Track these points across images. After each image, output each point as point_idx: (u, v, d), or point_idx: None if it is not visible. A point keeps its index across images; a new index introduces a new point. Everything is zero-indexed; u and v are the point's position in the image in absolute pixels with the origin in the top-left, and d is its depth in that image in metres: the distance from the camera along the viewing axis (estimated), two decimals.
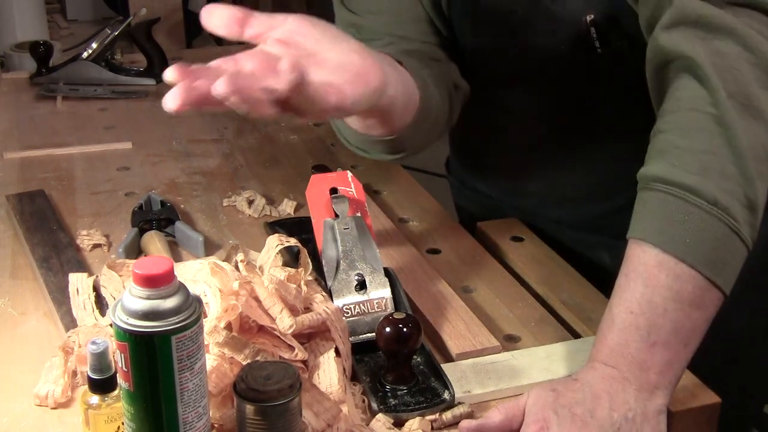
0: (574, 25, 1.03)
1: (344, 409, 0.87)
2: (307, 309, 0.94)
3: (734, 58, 0.85)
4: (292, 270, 0.97)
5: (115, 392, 0.81)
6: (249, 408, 0.78)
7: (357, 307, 0.99)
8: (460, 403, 0.90)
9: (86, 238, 1.21)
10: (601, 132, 1.10)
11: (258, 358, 0.85)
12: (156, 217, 1.24)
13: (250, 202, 1.32)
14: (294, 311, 0.92)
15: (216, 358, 0.85)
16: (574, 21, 1.02)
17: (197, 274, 0.95)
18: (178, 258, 1.18)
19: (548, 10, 1.03)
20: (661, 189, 0.85)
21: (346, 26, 1.14)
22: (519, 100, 1.14)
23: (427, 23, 1.12)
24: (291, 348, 0.90)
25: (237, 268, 0.98)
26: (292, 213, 1.30)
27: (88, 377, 0.81)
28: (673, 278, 0.84)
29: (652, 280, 0.85)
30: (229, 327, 0.89)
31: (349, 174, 1.10)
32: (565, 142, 1.14)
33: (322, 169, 1.14)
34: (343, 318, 0.96)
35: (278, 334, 0.90)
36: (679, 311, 0.85)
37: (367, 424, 0.87)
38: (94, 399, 0.81)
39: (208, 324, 0.86)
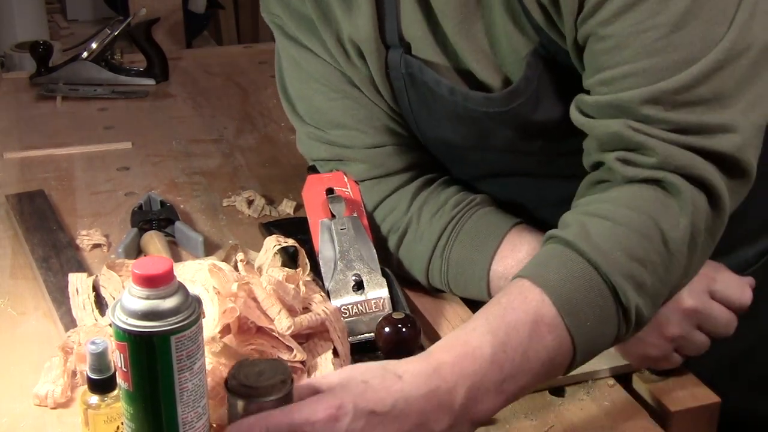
0: (560, 123, 0.96)
1: None
2: (306, 309, 0.94)
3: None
4: (291, 270, 0.97)
5: (115, 392, 0.81)
6: (240, 404, 0.77)
7: (355, 307, 0.99)
8: None
9: (86, 238, 1.22)
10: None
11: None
12: (156, 217, 1.24)
13: (250, 202, 1.32)
14: (292, 312, 0.92)
15: (212, 361, 0.85)
16: (558, 122, 0.97)
17: (196, 275, 0.95)
18: (177, 258, 1.18)
19: (527, 117, 0.97)
20: (570, 250, 0.83)
21: (311, 139, 1.12)
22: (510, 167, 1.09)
23: (392, 127, 1.08)
24: (289, 349, 0.90)
25: (236, 268, 0.98)
26: (291, 213, 1.31)
27: (88, 377, 0.81)
28: (556, 346, 0.80)
29: (537, 337, 0.79)
30: (227, 328, 0.89)
31: (345, 174, 1.10)
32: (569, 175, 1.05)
33: (317, 169, 1.14)
34: (342, 318, 0.96)
35: (277, 335, 0.90)
36: (539, 375, 0.80)
37: None
38: (94, 399, 0.81)
39: (205, 331, 0.86)
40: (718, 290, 0.93)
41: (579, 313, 0.80)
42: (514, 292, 0.82)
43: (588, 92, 0.90)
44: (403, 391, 0.75)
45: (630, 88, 0.85)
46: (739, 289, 0.93)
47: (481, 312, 0.82)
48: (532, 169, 1.05)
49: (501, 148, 1.02)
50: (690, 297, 0.91)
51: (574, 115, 0.91)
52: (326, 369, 0.90)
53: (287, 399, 0.77)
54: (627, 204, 0.85)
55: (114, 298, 1.03)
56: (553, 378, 0.84)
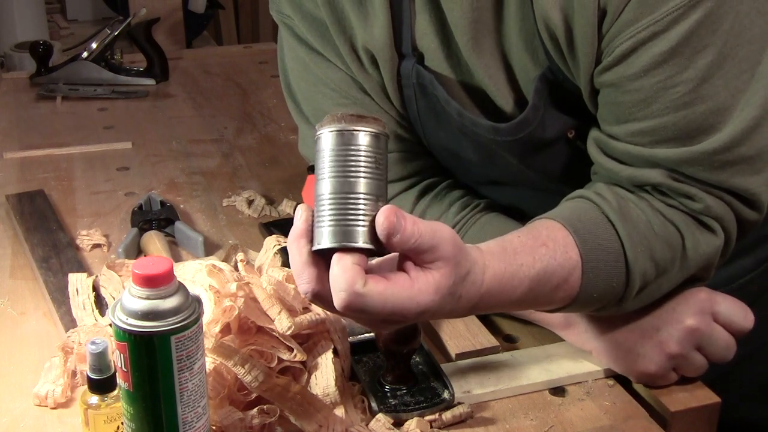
0: (559, 141, 0.99)
1: (342, 409, 0.87)
2: (306, 309, 0.94)
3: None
4: (291, 270, 0.97)
5: (115, 392, 0.81)
6: (330, 136, 0.75)
7: None
8: (459, 403, 0.90)
9: (86, 238, 1.22)
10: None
11: (246, 365, 0.85)
12: (156, 217, 1.24)
13: (250, 202, 1.32)
14: (292, 312, 0.92)
15: (214, 361, 0.85)
16: (558, 139, 0.99)
17: (196, 275, 0.95)
18: (177, 258, 1.18)
19: (533, 138, 0.99)
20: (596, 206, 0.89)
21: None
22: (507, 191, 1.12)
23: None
24: (290, 349, 0.90)
25: (236, 268, 0.98)
26: (291, 213, 1.30)
27: (88, 377, 0.81)
28: (562, 299, 0.87)
29: (558, 290, 0.86)
30: (227, 328, 0.89)
31: None
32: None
33: None
34: (342, 318, 0.96)
35: (277, 335, 0.90)
36: (547, 294, 0.86)
37: (367, 425, 0.87)
38: (94, 399, 0.82)
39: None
40: (721, 312, 0.93)
41: (597, 286, 0.87)
42: (560, 243, 0.86)
43: (595, 122, 0.92)
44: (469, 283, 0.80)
45: (664, 145, 0.87)
46: (743, 312, 0.94)
47: (530, 248, 0.85)
48: (536, 182, 1.05)
49: (505, 166, 1.03)
50: (693, 317, 0.92)
51: (598, 156, 0.92)
52: (326, 369, 0.90)
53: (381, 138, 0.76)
54: (661, 211, 0.89)
55: (114, 298, 1.03)
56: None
